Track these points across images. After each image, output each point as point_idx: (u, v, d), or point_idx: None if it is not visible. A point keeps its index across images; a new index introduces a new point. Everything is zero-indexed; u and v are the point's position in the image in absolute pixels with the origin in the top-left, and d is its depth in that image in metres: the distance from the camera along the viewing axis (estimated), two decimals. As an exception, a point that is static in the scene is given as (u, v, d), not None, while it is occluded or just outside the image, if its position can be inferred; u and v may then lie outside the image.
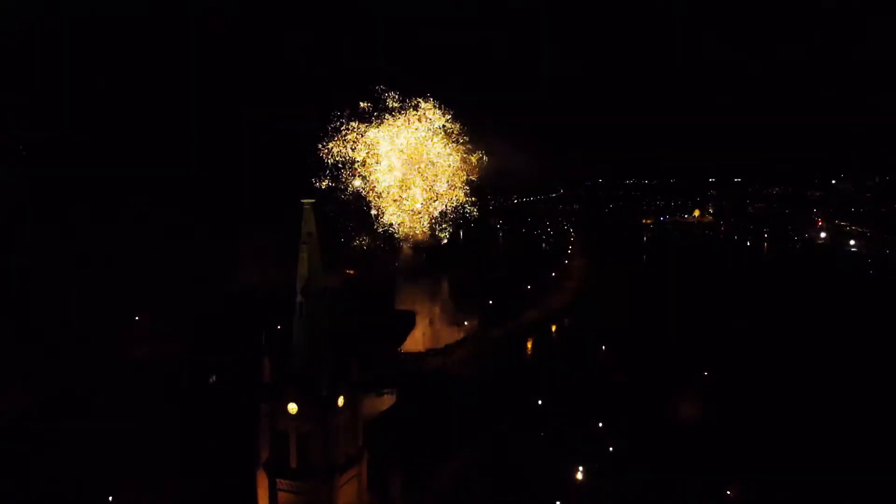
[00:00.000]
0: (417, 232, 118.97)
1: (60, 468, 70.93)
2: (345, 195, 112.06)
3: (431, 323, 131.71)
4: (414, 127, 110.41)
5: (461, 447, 73.21)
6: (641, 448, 79.77)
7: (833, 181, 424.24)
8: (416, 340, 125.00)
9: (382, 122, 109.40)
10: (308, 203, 46.96)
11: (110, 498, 66.82)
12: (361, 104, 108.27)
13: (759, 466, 75.52)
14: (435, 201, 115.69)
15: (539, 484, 70.36)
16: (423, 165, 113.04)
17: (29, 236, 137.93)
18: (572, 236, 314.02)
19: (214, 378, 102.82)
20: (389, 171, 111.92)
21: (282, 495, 46.30)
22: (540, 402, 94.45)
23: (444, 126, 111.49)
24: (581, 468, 75.56)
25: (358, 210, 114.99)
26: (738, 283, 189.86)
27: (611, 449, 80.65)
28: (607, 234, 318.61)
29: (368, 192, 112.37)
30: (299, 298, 46.76)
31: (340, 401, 46.73)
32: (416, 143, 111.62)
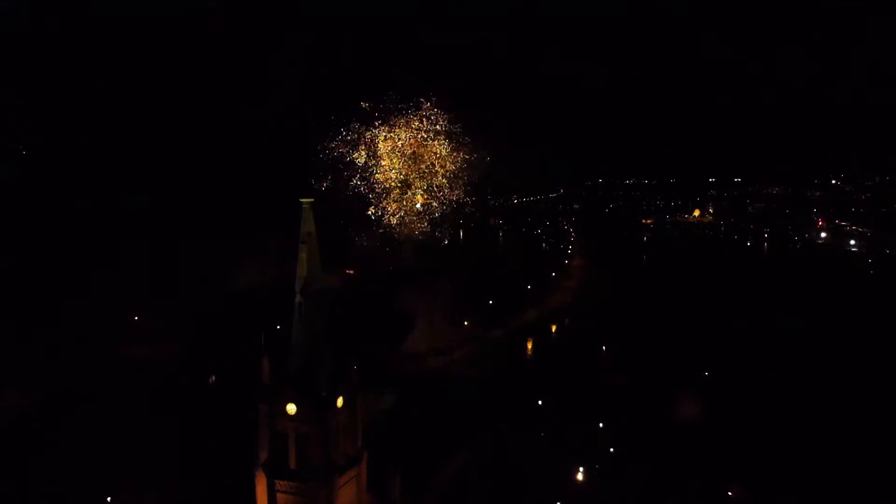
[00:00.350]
0: (417, 232, 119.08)
1: (60, 468, 70.80)
2: (345, 195, 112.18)
3: (431, 323, 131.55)
4: (414, 127, 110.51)
5: (461, 447, 73.15)
6: (641, 448, 79.67)
7: (833, 181, 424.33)
8: (416, 340, 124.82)
9: (383, 123, 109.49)
10: (307, 202, 46.80)
11: (109, 499, 66.69)
12: (362, 104, 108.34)
13: (760, 466, 75.43)
14: (435, 201, 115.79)
15: (539, 484, 70.28)
16: (423, 166, 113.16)
17: (29, 236, 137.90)
18: (572, 236, 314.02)
19: (214, 378, 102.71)
20: (390, 171, 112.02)
21: (281, 496, 46.15)
22: (540, 402, 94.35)
23: (444, 126, 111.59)
24: (581, 468, 75.46)
25: (358, 210, 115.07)
26: (738, 284, 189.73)
27: (611, 449, 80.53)
28: (607, 234, 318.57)
29: (369, 193, 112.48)
30: (298, 298, 46.64)
31: (340, 401, 46.59)
32: (417, 144, 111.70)
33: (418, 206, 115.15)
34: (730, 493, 71.09)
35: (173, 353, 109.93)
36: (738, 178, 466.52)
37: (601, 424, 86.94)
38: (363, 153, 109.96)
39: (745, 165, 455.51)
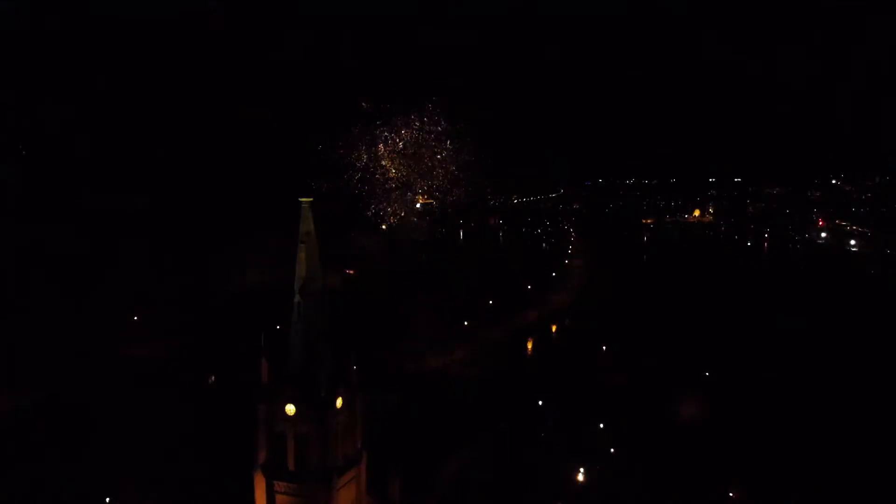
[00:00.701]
0: (417, 232, 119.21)
1: (60, 468, 70.80)
2: (345, 195, 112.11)
3: (431, 323, 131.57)
4: (415, 127, 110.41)
5: (461, 447, 73.18)
6: (641, 448, 79.60)
7: (833, 181, 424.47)
8: (416, 340, 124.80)
9: (383, 123, 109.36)
10: (306, 202, 46.64)
11: (108, 499, 66.61)
12: (362, 104, 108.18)
13: (760, 467, 75.37)
14: (435, 201, 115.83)
15: (539, 484, 70.24)
16: (423, 166, 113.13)
17: (29, 236, 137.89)
18: (572, 236, 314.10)
19: (214, 378, 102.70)
20: (390, 171, 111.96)
21: (280, 497, 45.97)
22: (540, 402, 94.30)
23: (444, 126, 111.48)
24: (581, 469, 75.38)
25: (358, 210, 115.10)
26: (738, 283, 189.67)
27: (612, 450, 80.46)
28: (607, 234, 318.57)
29: (369, 193, 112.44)
30: (297, 298, 46.51)
31: (339, 402, 46.45)
32: (417, 144, 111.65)
33: (418, 206, 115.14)
34: (731, 494, 71.00)
35: (173, 353, 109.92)
36: (738, 178, 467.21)
37: (601, 424, 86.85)
38: (363, 153, 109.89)
39: (745, 165, 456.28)
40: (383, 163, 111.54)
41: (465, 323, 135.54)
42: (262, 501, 46.37)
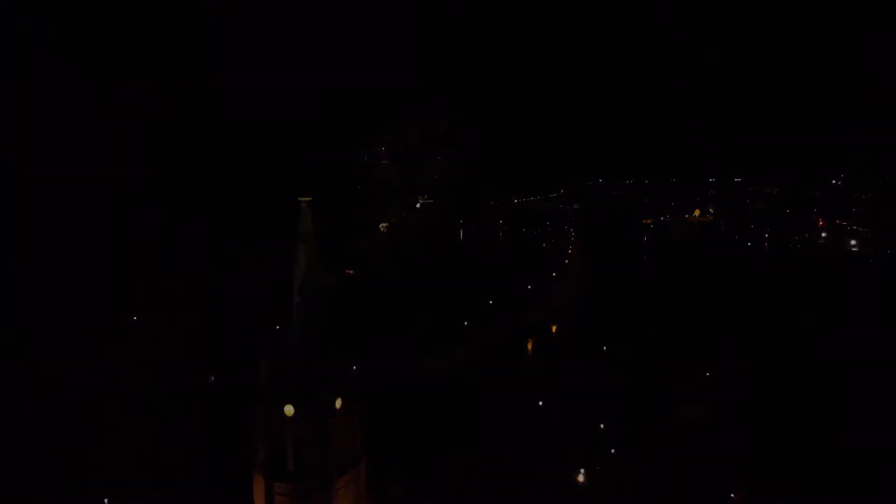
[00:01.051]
0: (417, 231, 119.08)
1: (60, 468, 70.78)
2: (346, 196, 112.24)
3: (431, 323, 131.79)
4: (416, 128, 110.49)
5: (461, 447, 73.13)
6: (642, 449, 79.58)
7: (833, 181, 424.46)
8: (417, 340, 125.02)
9: (385, 124, 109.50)
10: (305, 201, 46.54)
11: (106, 500, 66.60)
12: (364, 105, 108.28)
13: (761, 466, 75.34)
14: (435, 201, 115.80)
15: (539, 484, 70.21)
16: (423, 166, 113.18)
17: (29, 236, 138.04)
18: (572, 236, 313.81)
19: (214, 378, 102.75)
20: (391, 171, 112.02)
21: (279, 499, 45.86)
22: (540, 402, 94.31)
23: (445, 127, 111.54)
24: (581, 469, 75.35)
25: (358, 210, 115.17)
26: (738, 283, 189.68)
27: (612, 450, 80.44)
28: (607, 234, 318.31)
29: (369, 193, 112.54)
30: (296, 298, 46.39)
31: (338, 402, 46.40)
32: (418, 144, 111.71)
33: (418, 206, 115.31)
34: (731, 495, 70.96)
35: (173, 353, 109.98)
36: (738, 178, 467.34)
37: (601, 424, 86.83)
38: (365, 153, 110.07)
39: (745, 165, 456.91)
40: (385, 162, 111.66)
41: (465, 323, 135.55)
42: (261, 502, 46.30)
